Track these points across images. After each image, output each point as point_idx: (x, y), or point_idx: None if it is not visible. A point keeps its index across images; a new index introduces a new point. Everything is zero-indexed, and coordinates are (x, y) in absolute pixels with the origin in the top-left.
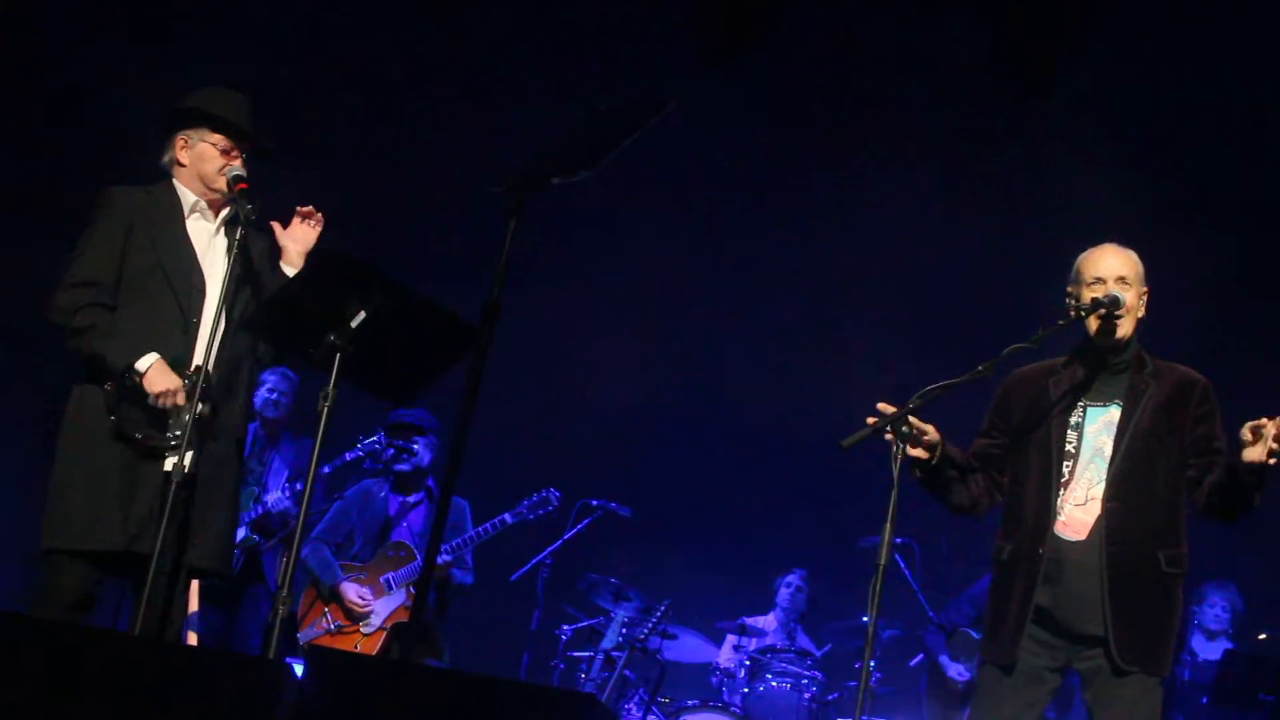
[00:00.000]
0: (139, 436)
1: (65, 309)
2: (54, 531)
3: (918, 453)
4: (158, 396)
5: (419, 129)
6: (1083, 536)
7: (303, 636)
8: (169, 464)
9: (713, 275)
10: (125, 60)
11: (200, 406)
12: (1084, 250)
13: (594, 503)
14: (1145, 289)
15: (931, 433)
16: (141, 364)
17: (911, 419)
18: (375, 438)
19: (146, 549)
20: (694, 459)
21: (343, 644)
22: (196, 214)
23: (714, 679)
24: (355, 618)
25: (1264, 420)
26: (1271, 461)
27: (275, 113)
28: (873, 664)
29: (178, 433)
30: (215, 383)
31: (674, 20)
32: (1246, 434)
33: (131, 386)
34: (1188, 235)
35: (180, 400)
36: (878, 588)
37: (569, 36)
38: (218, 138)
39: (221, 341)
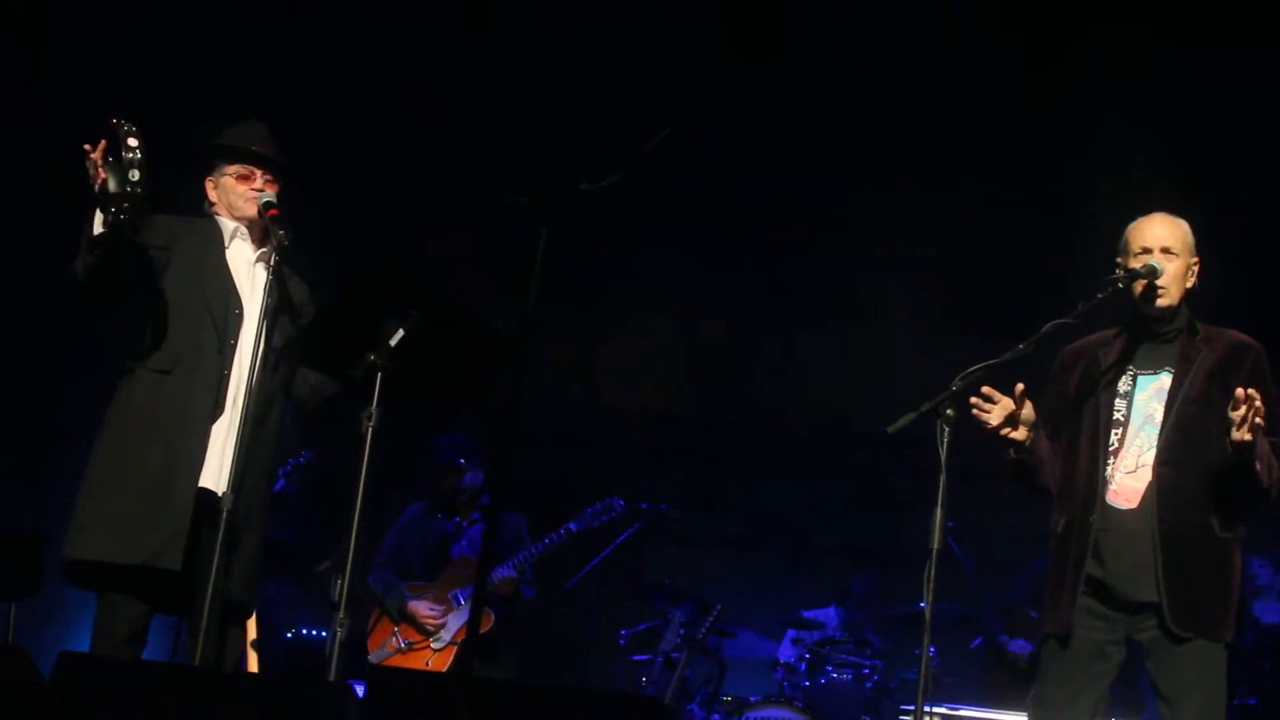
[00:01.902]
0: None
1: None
2: (71, 540)
3: (1018, 434)
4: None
5: (435, 141)
6: (1134, 504)
7: (372, 658)
8: (204, 481)
9: (747, 267)
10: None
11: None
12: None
13: (644, 505)
14: (1195, 259)
15: (1007, 403)
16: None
17: (985, 389)
18: (303, 454)
19: (169, 565)
20: (737, 456)
21: (413, 661)
22: (237, 239)
23: (776, 674)
24: (426, 634)
25: (1239, 393)
26: (1247, 437)
27: (290, 133)
28: (932, 650)
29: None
30: (248, 412)
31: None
32: (1230, 413)
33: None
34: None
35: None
36: (932, 573)
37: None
38: (235, 167)
39: (257, 371)
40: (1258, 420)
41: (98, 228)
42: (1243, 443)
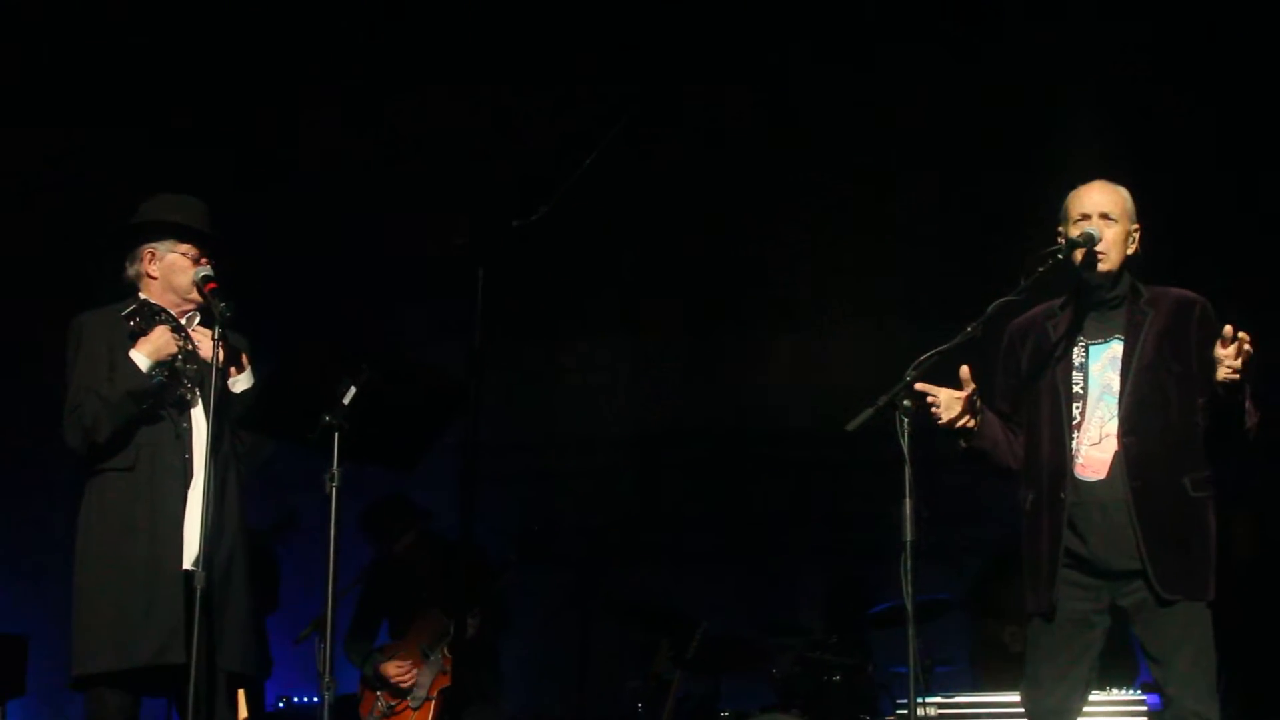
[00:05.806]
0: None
1: (73, 428)
2: (78, 657)
3: (966, 421)
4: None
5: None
6: (1103, 475)
7: None
8: (187, 562)
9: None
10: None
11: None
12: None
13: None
14: (1136, 225)
15: (948, 394)
16: (138, 359)
17: (920, 385)
18: None
19: (174, 659)
20: (699, 472)
21: None
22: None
23: (770, 684)
24: (402, 694)
25: (1227, 331)
26: (1235, 377)
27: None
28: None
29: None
30: (209, 487)
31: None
32: (1218, 352)
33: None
34: None
35: (170, 339)
36: (908, 565)
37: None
38: (186, 247)
39: (213, 443)
40: (1235, 362)
41: (147, 369)
42: (1231, 382)
